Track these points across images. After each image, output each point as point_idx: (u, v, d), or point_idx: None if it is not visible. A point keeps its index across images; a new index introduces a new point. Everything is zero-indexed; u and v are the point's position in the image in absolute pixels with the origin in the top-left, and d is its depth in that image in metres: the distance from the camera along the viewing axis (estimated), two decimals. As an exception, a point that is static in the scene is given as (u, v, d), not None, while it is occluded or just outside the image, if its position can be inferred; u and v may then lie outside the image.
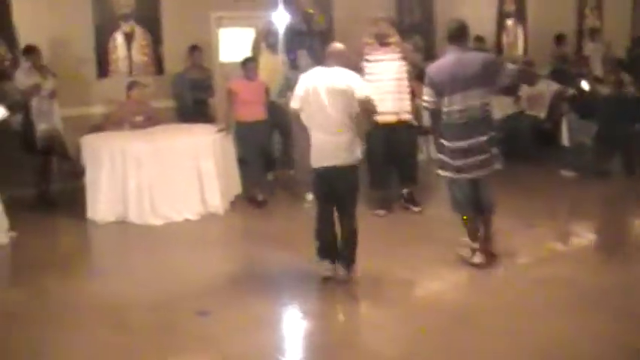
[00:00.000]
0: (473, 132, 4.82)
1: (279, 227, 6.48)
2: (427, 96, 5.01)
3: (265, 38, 8.11)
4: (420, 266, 5.24)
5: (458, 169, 4.93)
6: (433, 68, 5.01)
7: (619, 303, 4.40)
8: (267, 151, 7.42)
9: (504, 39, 11.55)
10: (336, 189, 4.86)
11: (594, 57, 11.57)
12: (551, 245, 5.69)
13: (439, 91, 4.88)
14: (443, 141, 4.98)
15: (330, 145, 4.80)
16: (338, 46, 4.97)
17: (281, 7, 8.62)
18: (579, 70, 10.91)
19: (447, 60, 4.95)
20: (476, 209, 5.05)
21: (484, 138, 4.85)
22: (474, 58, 4.88)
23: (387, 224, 6.43)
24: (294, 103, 4.93)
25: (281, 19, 8.36)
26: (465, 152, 4.86)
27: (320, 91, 4.77)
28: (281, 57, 8.18)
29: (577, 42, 12.42)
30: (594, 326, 4.11)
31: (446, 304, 4.59)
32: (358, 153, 4.88)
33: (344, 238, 4.96)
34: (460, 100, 4.79)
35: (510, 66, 5.00)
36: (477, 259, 4.99)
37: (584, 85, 9.12)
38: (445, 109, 4.88)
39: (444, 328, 4.21)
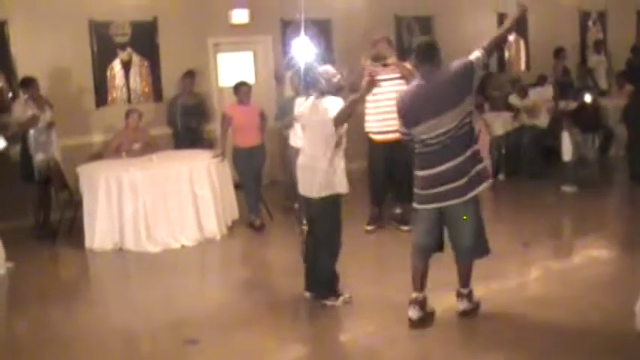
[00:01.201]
0: (447, 156, 4.16)
1: (275, 253, 6.44)
2: (400, 127, 4.43)
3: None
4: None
5: (423, 200, 4.31)
6: (399, 97, 4.47)
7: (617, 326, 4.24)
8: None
9: (506, 54, 11.50)
10: (310, 219, 4.84)
11: (599, 69, 11.52)
12: (546, 264, 5.57)
13: (408, 121, 4.28)
14: (415, 170, 4.36)
15: (302, 171, 4.80)
16: (320, 71, 4.79)
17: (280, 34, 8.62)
18: (583, 83, 10.87)
19: (412, 86, 4.39)
20: (435, 250, 4.41)
21: (460, 159, 4.15)
22: (442, 76, 4.20)
23: (378, 242, 6.40)
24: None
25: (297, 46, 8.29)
26: (436, 180, 4.21)
27: (304, 119, 4.81)
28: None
29: (581, 55, 12.34)
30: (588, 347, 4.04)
31: (440, 327, 4.48)
32: (330, 186, 4.64)
33: (315, 273, 4.89)
34: (433, 127, 4.14)
35: (477, 53, 4.13)
36: (411, 312, 4.35)
37: (587, 98, 9.05)
38: (418, 138, 4.24)
39: (442, 352, 4.17)
